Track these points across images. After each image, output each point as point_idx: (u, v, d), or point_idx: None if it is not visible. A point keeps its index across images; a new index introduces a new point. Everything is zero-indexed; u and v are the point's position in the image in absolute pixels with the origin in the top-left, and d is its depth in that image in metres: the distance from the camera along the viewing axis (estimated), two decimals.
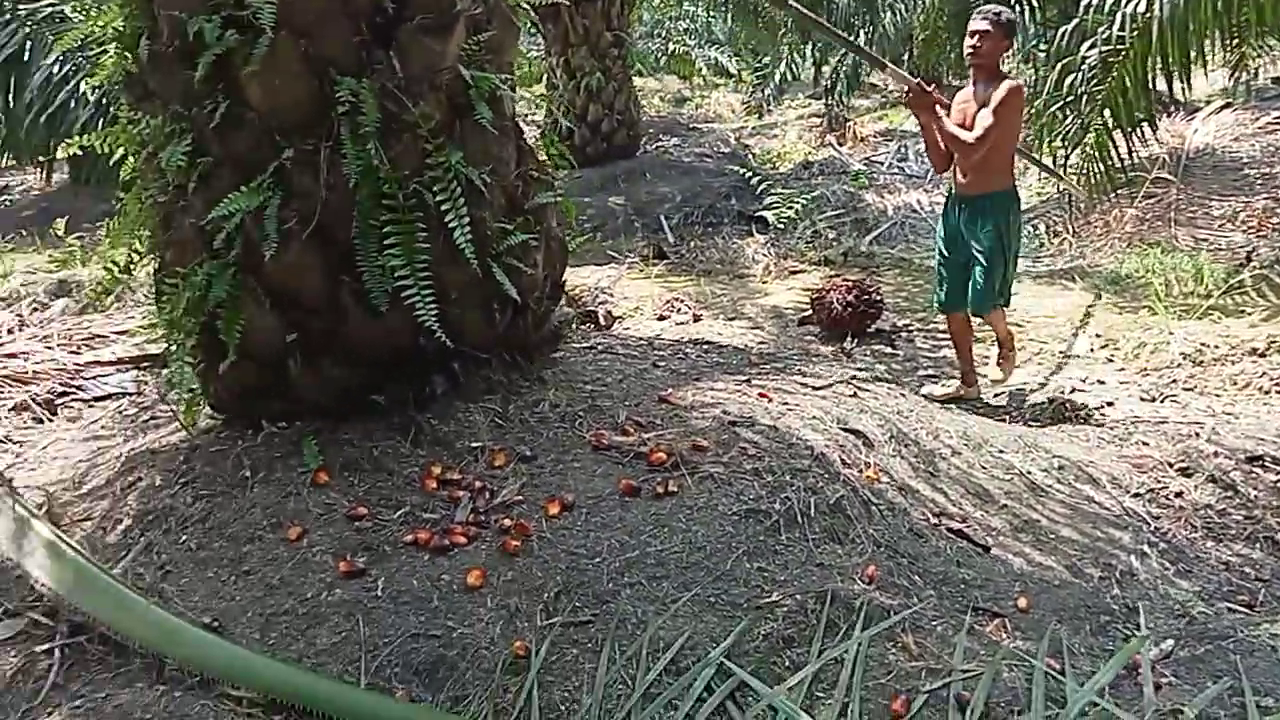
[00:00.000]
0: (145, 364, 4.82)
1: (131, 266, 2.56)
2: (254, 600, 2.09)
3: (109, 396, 4.51)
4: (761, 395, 3.00)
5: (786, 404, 2.96)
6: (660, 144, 9.91)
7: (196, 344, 2.46)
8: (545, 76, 8.57)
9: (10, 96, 6.71)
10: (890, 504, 2.55)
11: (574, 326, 3.60)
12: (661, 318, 5.42)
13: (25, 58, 6.47)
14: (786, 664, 1.96)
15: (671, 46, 12.92)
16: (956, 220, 3.92)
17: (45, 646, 2.01)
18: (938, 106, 3.80)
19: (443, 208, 2.40)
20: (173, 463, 2.56)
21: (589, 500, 2.36)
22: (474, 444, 2.56)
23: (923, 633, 2.07)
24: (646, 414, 2.75)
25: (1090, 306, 5.22)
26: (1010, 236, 3.86)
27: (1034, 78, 7.76)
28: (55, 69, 6.47)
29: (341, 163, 2.32)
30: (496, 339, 2.72)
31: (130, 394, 4.52)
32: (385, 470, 2.46)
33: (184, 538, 2.29)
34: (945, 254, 4.01)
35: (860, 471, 2.61)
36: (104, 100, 6.23)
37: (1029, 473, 3.05)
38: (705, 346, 3.66)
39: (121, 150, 2.54)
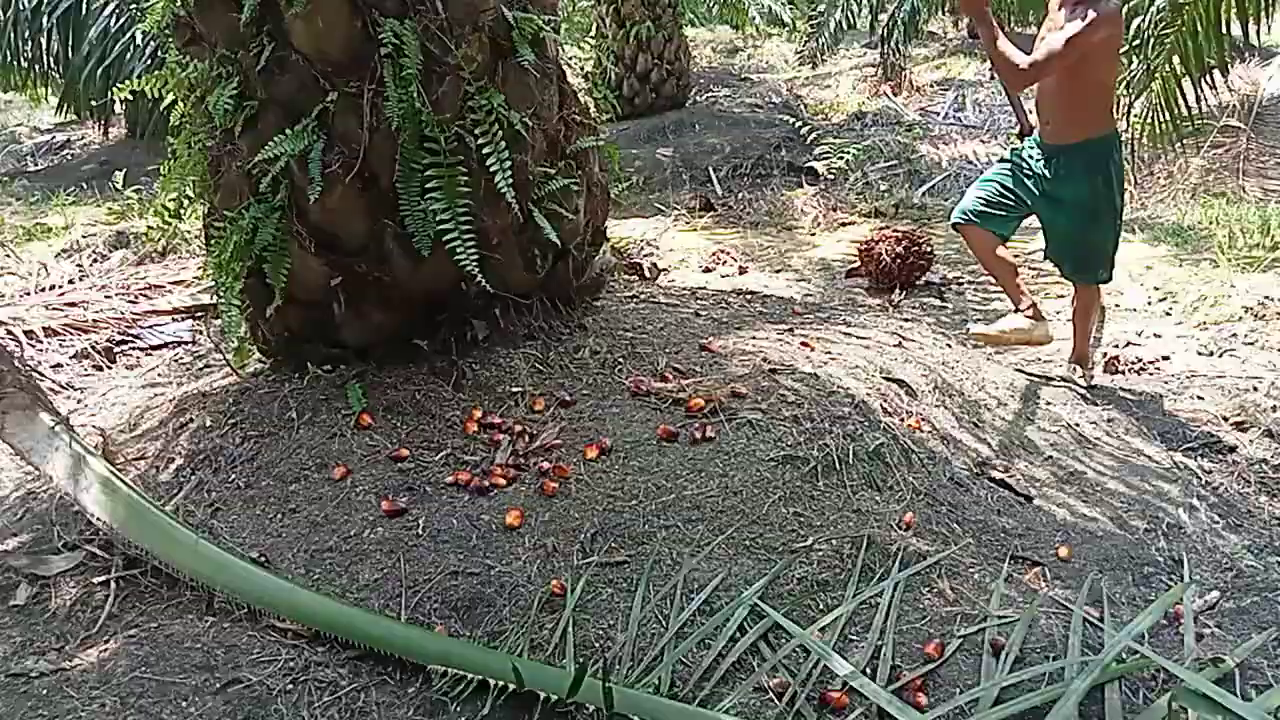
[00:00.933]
0: (200, 313, 4.94)
1: (182, 212, 2.61)
2: (299, 537, 2.15)
3: (165, 345, 4.65)
4: (804, 344, 2.97)
5: (829, 353, 2.94)
6: (710, 95, 9.76)
7: (244, 288, 2.50)
8: (595, 25, 8.47)
9: (69, 49, 6.84)
10: (931, 452, 2.52)
11: (616, 274, 3.58)
12: (707, 270, 5.39)
13: (83, 10, 6.58)
14: (820, 607, 1.97)
15: None
16: (1039, 170, 3.21)
17: (102, 578, 2.10)
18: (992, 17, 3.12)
19: (484, 151, 2.40)
20: (223, 405, 2.62)
21: (626, 444, 2.38)
22: (514, 389, 2.59)
23: (959, 578, 2.06)
24: (686, 361, 2.75)
25: (1150, 260, 5.07)
26: (1116, 191, 3.19)
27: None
28: (111, 21, 6.57)
29: (384, 106, 2.33)
30: (537, 285, 2.73)
31: (185, 342, 4.66)
32: (427, 413, 2.50)
33: (233, 476, 2.36)
34: (1008, 191, 3.25)
35: (902, 420, 2.59)
36: (158, 51, 6.31)
37: (1077, 425, 2.99)
38: (749, 296, 3.64)
39: (171, 95, 2.58)
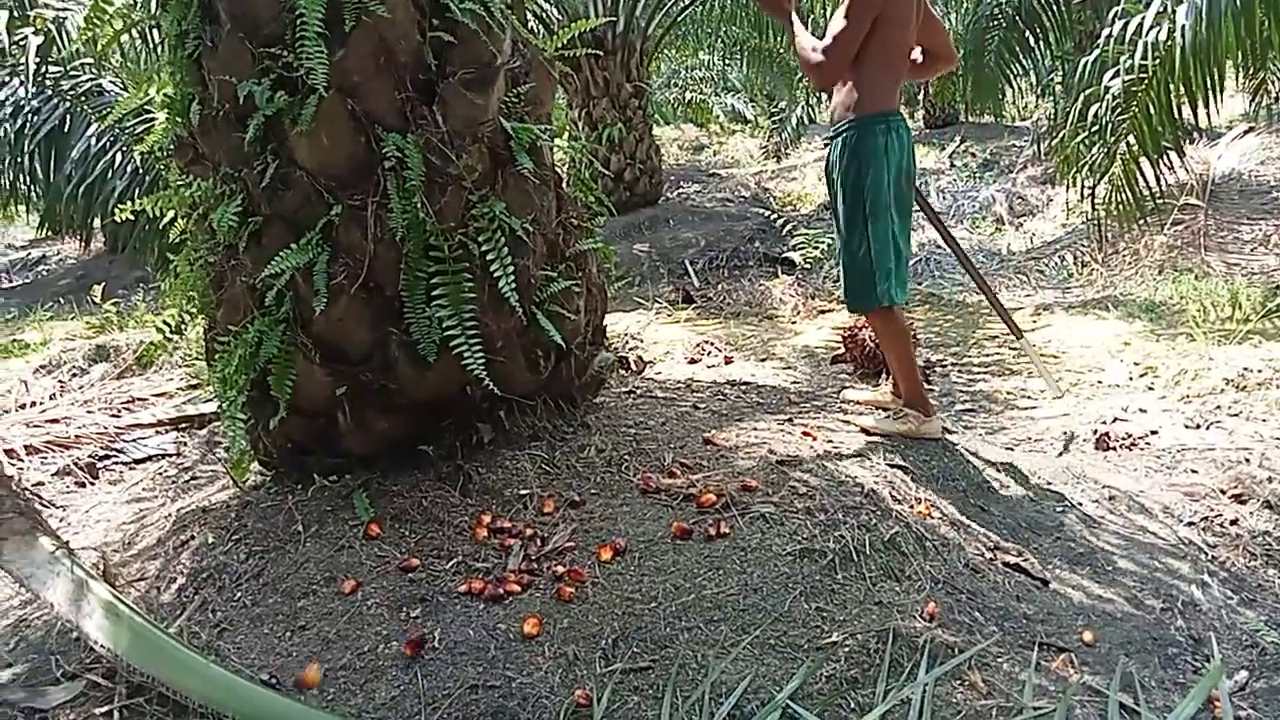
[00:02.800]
0: (184, 425, 4.89)
1: (183, 327, 2.61)
2: (310, 655, 2.08)
3: (149, 459, 4.57)
4: (805, 434, 2.98)
5: (831, 441, 2.95)
6: (682, 191, 10.01)
7: (248, 400, 2.48)
8: (567, 130, 8.72)
9: (51, 170, 6.91)
10: (944, 539, 2.51)
11: (615, 372, 3.60)
12: (693, 361, 5.42)
13: (65, 131, 6.67)
14: (852, 705, 1.93)
15: (689, 95, 13.12)
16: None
17: (104, 709, 2.01)
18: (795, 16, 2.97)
19: (488, 257, 2.43)
20: (224, 520, 2.57)
21: (641, 544, 2.35)
22: (522, 491, 2.56)
23: (989, 670, 2.03)
24: (692, 455, 2.74)
25: (1125, 336, 5.18)
26: (869, 187, 2.74)
27: (1053, 110, 7.79)
28: (94, 142, 6.66)
29: (388, 217, 2.37)
30: (541, 385, 2.73)
31: (170, 455, 4.58)
32: (436, 520, 2.46)
33: (238, 594, 2.30)
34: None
35: (911, 507, 2.59)
36: (140, 170, 6.40)
37: (1080, 504, 3.01)
38: (743, 387, 3.66)
39: (171, 213, 2.60)
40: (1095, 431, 3.95)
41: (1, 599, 2.71)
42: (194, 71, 2.49)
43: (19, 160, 6.77)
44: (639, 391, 3.44)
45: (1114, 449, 3.82)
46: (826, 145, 2.93)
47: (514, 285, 2.44)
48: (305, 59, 2.25)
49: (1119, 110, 5.45)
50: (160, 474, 4.36)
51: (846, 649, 2.05)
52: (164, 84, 2.59)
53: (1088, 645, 2.21)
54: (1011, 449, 3.43)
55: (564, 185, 2.85)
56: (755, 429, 3.03)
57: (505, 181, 2.55)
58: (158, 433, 4.85)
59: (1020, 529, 2.78)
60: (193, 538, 2.54)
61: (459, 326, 2.39)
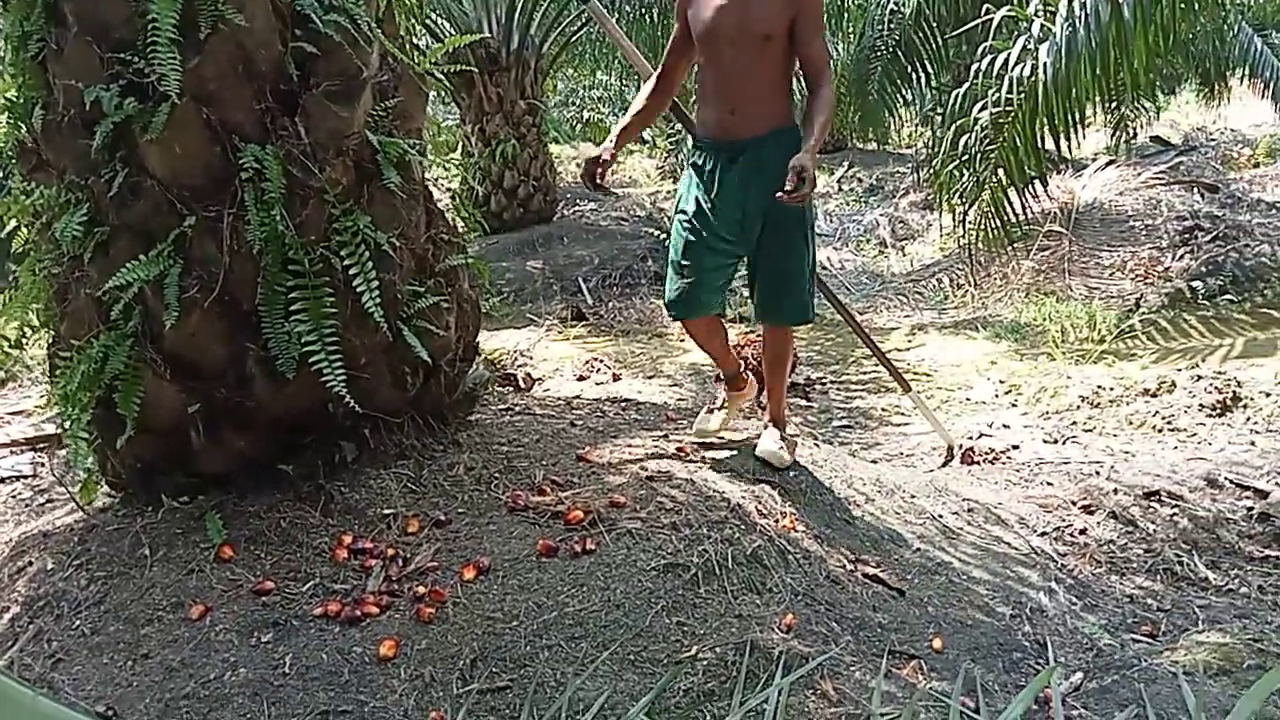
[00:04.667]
0: (42, 445, 4.63)
1: (24, 341, 2.47)
2: (152, 685, 1.99)
3: (3, 480, 4.31)
4: (679, 450, 3.01)
5: (704, 458, 2.99)
6: (577, 209, 10.03)
7: (93, 419, 2.37)
8: (461, 144, 8.64)
9: None
10: (806, 552, 2.58)
11: (490, 389, 3.57)
12: (581, 378, 5.43)
13: None
14: (708, 718, 1.95)
15: (586, 114, 13.17)
16: (722, 179, 2.70)
17: None
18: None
19: (351, 272, 2.39)
20: (66, 544, 2.44)
21: (505, 562, 2.33)
22: (386, 511, 2.51)
23: (841, 678, 2.09)
24: (564, 473, 2.74)
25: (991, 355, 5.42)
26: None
27: (931, 139, 8.13)
28: None
29: (245, 229, 2.30)
30: (408, 402, 2.69)
31: (26, 476, 4.33)
32: (294, 542, 2.39)
33: (77, 623, 2.18)
34: (698, 245, 2.76)
35: (777, 521, 2.64)
36: None
37: (940, 516, 3.13)
38: (623, 404, 3.68)
39: (14, 222, 2.47)
40: (961, 447, 4.12)
41: None
42: (38, 75, 2.38)
43: None
44: (517, 409, 3.42)
45: (978, 463, 3.99)
46: (739, 156, 2.68)
47: (378, 300, 2.40)
48: (158, 65, 2.17)
49: (988, 141, 5.72)
50: (14, 496, 4.11)
51: (705, 662, 2.07)
52: (5, 87, 2.47)
53: (937, 652, 2.29)
54: (881, 464, 3.53)
55: (434, 201, 2.82)
56: (630, 445, 3.04)
57: (371, 195, 2.51)
58: (13, 453, 4.58)
59: (882, 541, 2.87)
60: (30, 563, 2.40)
61: (319, 342, 2.34)
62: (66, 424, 2.31)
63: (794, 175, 2.42)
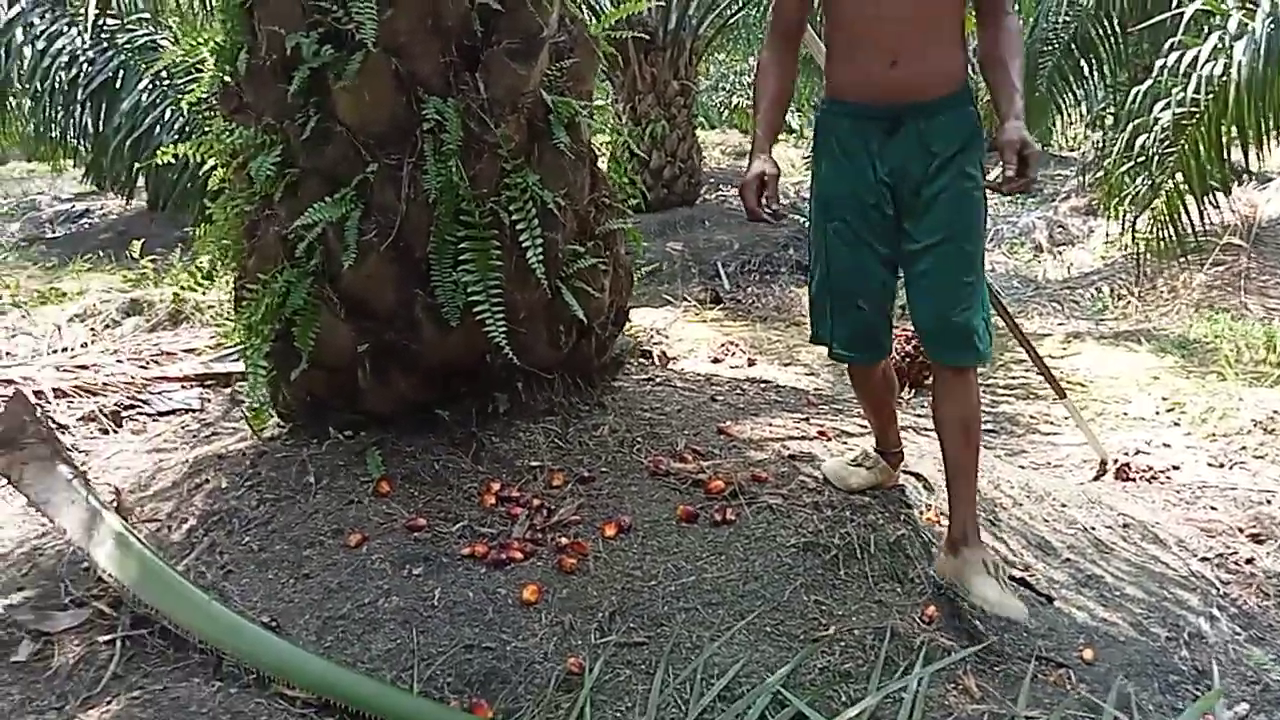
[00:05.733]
0: (210, 382, 4.95)
1: (214, 273, 2.64)
2: (312, 603, 2.10)
3: (173, 412, 4.63)
4: (820, 433, 2.97)
5: (846, 444, 2.93)
6: (720, 194, 10.00)
7: (270, 351, 2.51)
8: (612, 120, 8.74)
9: (100, 122, 7.02)
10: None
11: (634, 356, 3.60)
12: (716, 360, 5.42)
13: (118, 85, 6.78)
14: (843, 698, 1.92)
15: (735, 99, 13.10)
16: (880, 159, 2.06)
17: (108, 637, 2.05)
18: None
19: (518, 227, 2.44)
20: (239, 467, 2.60)
21: (646, 524, 2.35)
22: (533, 463, 2.57)
23: (984, 676, 2.02)
24: (705, 443, 2.74)
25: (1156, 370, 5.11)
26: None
27: (1101, 140, 7.71)
28: (144, 97, 6.76)
29: (423, 179, 2.38)
30: (560, 361, 2.74)
31: (194, 410, 4.64)
32: (445, 484, 2.48)
33: (247, 539, 2.32)
34: (875, 237, 2.12)
35: (920, 513, 2.57)
36: (187, 127, 6.48)
37: (1093, 529, 2.97)
38: (763, 385, 3.65)
39: (212, 161, 2.63)
40: (1116, 461, 3.91)
41: (22, 529, 2.77)
42: (244, 21, 2.52)
43: (71, 111, 6.89)
44: (658, 380, 3.44)
45: (1134, 480, 3.77)
46: (899, 127, 2.03)
47: (541, 258, 2.45)
48: (355, 14, 2.27)
49: (1167, 143, 5.38)
50: (182, 427, 4.41)
51: (842, 643, 2.04)
52: (214, 34, 2.63)
53: (1087, 663, 2.19)
54: (1029, 471, 3.39)
55: (599, 164, 2.85)
56: (771, 424, 3.02)
57: (541, 154, 2.56)
58: (183, 387, 4.91)
59: (1029, 546, 2.75)
60: (207, 481, 2.57)
61: (484, 294, 2.40)
62: (248, 352, 2.46)
63: (1012, 154, 1.85)
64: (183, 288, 2.46)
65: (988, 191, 2.05)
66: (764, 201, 2.05)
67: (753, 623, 2.06)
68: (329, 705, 1.84)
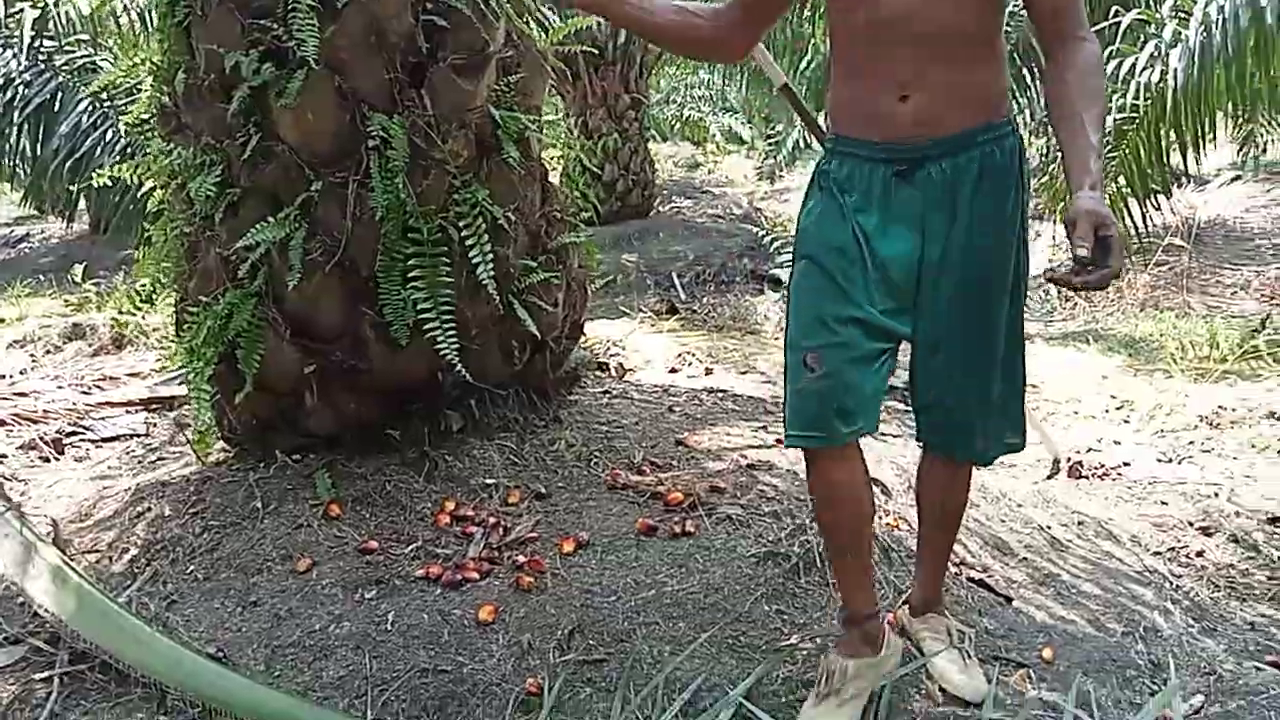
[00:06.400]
0: (155, 406, 4.83)
1: (154, 296, 2.57)
2: (260, 631, 2.05)
3: (117, 438, 4.50)
4: (778, 441, 2.97)
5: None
6: (674, 205, 10.04)
7: (214, 374, 2.45)
8: (563, 135, 8.74)
9: (39, 144, 6.84)
10: (910, 551, 2.50)
11: (590, 370, 3.58)
12: (673, 370, 5.41)
13: (56, 107, 6.61)
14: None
15: (686, 112, 13.18)
16: (892, 207, 1.64)
17: (44, 674, 1.97)
18: None
19: (467, 243, 2.42)
20: (183, 494, 2.53)
21: (604, 539, 2.33)
22: (488, 481, 2.54)
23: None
24: (663, 455, 2.73)
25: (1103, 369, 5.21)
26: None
27: (1046, 146, 7.86)
28: (84, 118, 6.60)
29: (369, 197, 2.35)
30: (514, 376, 2.71)
31: (139, 435, 4.52)
32: (398, 505, 2.44)
33: (191, 568, 2.26)
34: (862, 297, 1.64)
35: (880, 518, 2.57)
36: (129, 149, 6.34)
37: (1048, 527, 3.00)
38: (721, 394, 3.64)
39: (151, 183, 2.57)
40: (1069, 460, 3.96)
41: None
42: (182, 40, 2.47)
43: (6, 133, 6.71)
44: (615, 392, 3.42)
45: (1086, 477, 3.82)
46: (917, 170, 1.62)
47: (492, 273, 2.43)
48: (296, 31, 2.24)
49: (1108, 149, 5.50)
50: (127, 453, 4.29)
51: (804, 651, 2.03)
52: (152, 53, 2.57)
53: (1046, 662, 2.20)
54: (983, 471, 3.42)
55: (550, 179, 2.83)
56: (729, 433, 3.01)
57: (490, 169, 2.54)
58: (128, 412, 4.78)
59: (987, 547, 2.77)
60: (150, 509, 2.50)
61: (434, 311, 2.37)
62: (191, 376, 2.40)
63: (1086, 236, 1.36)
64: (122, 311, 2.40)
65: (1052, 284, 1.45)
66: None
67: (714, 635, 2.04)
68: None
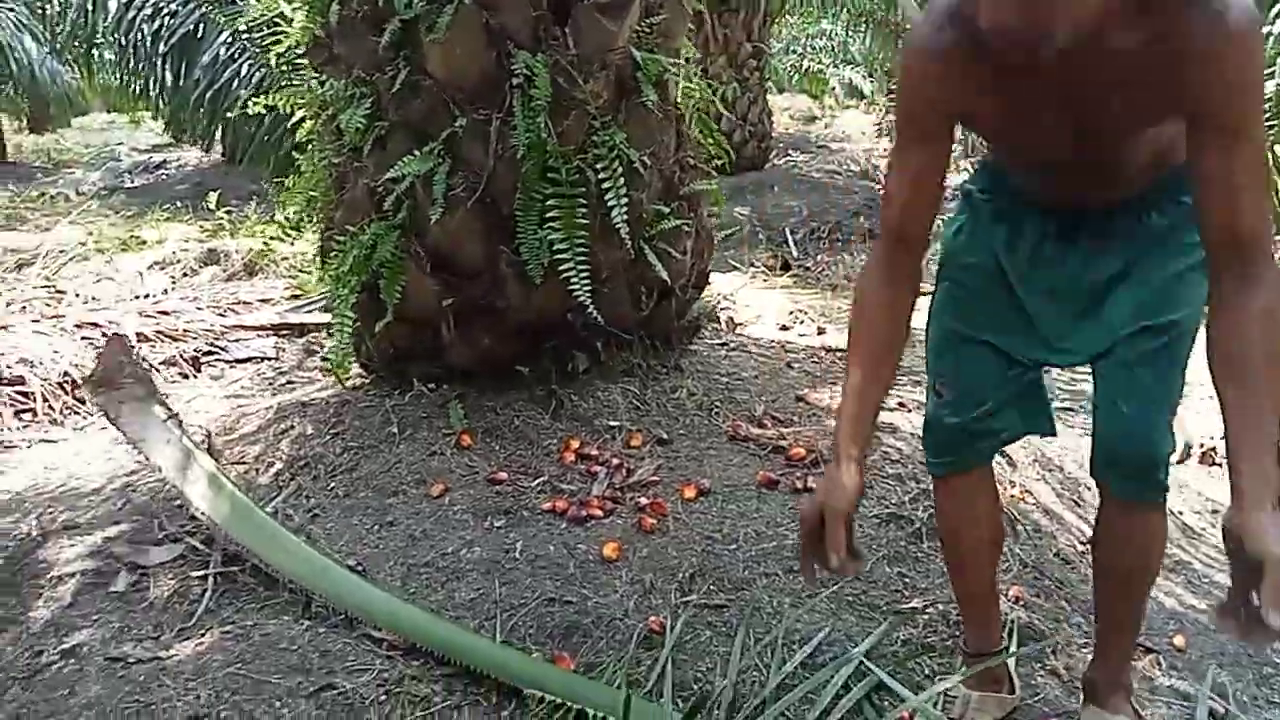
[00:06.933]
0: (285, 332, 5.05)
1: (301, 225, 2.67)
2: (396, 550, 2.14)
3: (250, 359, 4.75)
4: (900, 404, 2.92)
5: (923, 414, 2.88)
6: (789, 159, 9.86)
7: (356, 303, 2.53)
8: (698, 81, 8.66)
9: (181, 75, 7.14)
10: (1037, 525, 2.44)
11: (710, 321, 3.57)
12: (784, 328, 5.35)
13: (198, 36, 6.87)
14: (926, 671, 1.89)
15: (806, 63, 12.86)
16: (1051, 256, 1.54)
17: (200, 573, 2.10)
18: None
19: (603, 186, 2.42)
20: (323, 414, 2.65)
21: (725, 488, 2.34)
22: (612, 423, 2.57)
23: (1073, 658, 1.97)
24: (784, 410, 2.71)
25: None
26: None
27: None
28: (223, 50, 6.85)
29: (511, 135, 2.37)
30: (640, 322, 2.73)
31: (269, 358, 4.74)
32: (525, 439, 2.50)
33: (332, 485, 2.37)
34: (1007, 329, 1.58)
35: (1005, 489, 2.51)
36: (264, 83, 6.56)
37: (1180, 513, 2.88)
38: (839, 353, 3.59)
39: (300, 115, 2.65)
40: (1201, 446, 3.78)
41: (111, 464, 2.86)
42: None
43: (153, 63, 7.01)
44: (731, 344, 3.41)
45: (1219, 464, 3.65)
46: (1080, 227, 1.52)
47: (626, 217, 2.43)
48: None
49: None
50: (258, 374, 4.51)
51: (926, 616, 2.01)
52: None
53: (1178, 650, 2.13)
54: None
55: (684, 123, 2.81)
56: None
57: (628, 112, 2.53)
58: (259, 336, 5.03)
59: None
60: (292, 428, 2.62)
61: (569, 252, 2.39)
62: (335, 303, 2.48)
63: (1252, 573, 1.08)
64: (271, 238, 2.51)
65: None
66: (829, 549, 1.31)
67: (834, 592, 2.04)
68: (414, 649, 1.86)
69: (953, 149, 1.42)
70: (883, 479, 2.37)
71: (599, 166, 2.44)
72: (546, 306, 2.52)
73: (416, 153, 2.40)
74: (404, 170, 2.36)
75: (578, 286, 2.38)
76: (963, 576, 1.76)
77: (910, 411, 2.86)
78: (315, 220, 2.72)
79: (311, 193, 2.68)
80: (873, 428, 1.44)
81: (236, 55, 6.80)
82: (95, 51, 7.77)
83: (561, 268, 2.40)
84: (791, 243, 7.41)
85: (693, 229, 2.75)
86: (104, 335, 4.64)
